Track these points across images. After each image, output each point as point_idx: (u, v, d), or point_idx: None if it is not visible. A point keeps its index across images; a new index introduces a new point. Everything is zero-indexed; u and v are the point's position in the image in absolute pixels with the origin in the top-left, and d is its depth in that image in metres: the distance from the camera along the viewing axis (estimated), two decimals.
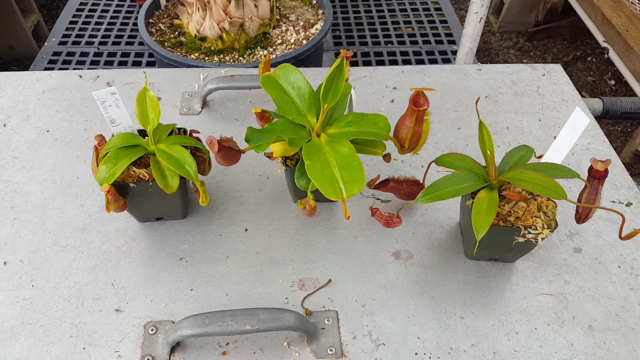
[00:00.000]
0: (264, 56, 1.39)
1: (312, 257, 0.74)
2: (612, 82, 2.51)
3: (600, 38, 2.19)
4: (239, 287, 0.71)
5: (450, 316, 0.68)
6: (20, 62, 2.37)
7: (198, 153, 0.74)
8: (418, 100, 0.68)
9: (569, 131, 0.65)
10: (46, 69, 1.81)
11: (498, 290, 0.71)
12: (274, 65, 1.29)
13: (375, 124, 0.71)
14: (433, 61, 1.85)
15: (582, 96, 2.45)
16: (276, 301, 0.69)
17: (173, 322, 0.67)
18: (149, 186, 0.70)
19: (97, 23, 2.03)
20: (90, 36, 1.96)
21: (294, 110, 0.71)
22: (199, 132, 0.75)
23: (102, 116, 0.91)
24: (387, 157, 0.73)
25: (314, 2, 1.56)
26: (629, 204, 0.81)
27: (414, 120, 0.69)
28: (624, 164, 2.22)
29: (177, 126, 0.77)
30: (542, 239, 0.65)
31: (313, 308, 0.69)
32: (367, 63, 1.84)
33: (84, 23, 2.02)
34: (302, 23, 1.48)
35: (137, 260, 0.73)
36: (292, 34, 1.44)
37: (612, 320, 0.69)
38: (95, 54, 1.88)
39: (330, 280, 0.72)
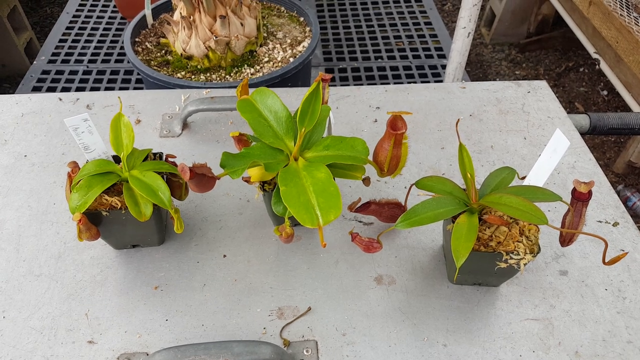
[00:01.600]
0: (251, 74, 1.38)
1: (292, 283, 0.73)
2: (605, 92, 2.51)
3: (591, 49, 2.19)
4: (216, 317, 0.69)
5: (432, 344, 0.67)
6: (12, 79, 2.36)
7: (174, 178, 0.73)
8: (396, 124, 0.66)
9: (550, 153, 0.64)
10: (34, 88, 1.80)
11: (482, 316, 0.69)
12: (261, 83, 1.28)
13: (353, 147, 0.69)
14: (423, 75, 1.84)
15: (575, 107, 2.45)
16: (254, 331, 0.67)
17: (147, 354, 0.65)
18: (122, 214, 0.68)
19: (86, 41, 2.03)
20: (80, 54, 1.96)
21: (271, 135, 0.70)
22: (175, 157, 0.74)
23: None
24: (366, 181, 0.72)
25: (302, 19, 1.56)
26: (615, 224, 0.80)
27: (392, 144, 0.67)
28: (617, 174, 2.20)
29: (155, 150, 0.75)
30: (525, 264, 0.63)
31: (292, 338, 0.67)
32: (357, 78, 1.84)
33: (73, 41, 2.02)
34: (289, 41, 1.48)
35: (112, 290, 0.72)
36: (279, 52, 1.43)
37: (599, 345, 0.67)
38: (85, 72, 1.88)
39: (310, 308, 0.70)
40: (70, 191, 0.68)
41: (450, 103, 0.99)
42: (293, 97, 0.99)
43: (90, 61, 1.93)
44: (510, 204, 0.61)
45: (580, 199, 0.62)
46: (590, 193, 0.62)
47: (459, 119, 0.78)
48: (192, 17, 1.35)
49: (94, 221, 0.68)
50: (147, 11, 1.50)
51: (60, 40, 2.03)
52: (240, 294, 0.71)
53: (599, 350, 0.66)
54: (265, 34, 1.50)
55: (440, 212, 0.65)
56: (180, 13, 1.36)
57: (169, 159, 0.74)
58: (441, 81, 1.78)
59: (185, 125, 0.94)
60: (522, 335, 0.68)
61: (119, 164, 0.72)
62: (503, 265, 0.64)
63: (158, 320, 0.69)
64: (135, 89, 1.80)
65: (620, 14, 1.87)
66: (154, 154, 0.75)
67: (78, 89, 1.80)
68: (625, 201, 2.01)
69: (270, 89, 0.72)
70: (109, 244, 0.75)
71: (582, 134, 1.02)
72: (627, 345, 0.66)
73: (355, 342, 0.66)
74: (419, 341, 0.67)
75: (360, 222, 0.81)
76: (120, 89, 1.80)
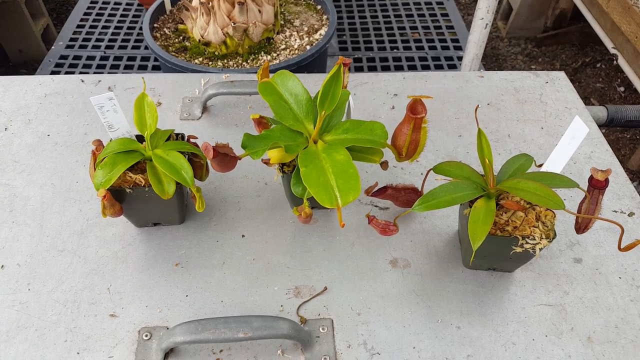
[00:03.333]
0: (268, 61, 1.39)
1: (309, 264, 0.74)
2: (622, 89, 2.49)
3: (609, 44, 2.18)
4: (234, 294, 0.70)
5: (446, 326, 0.68)
6: (29, 65, 2.39)
7: (195, 159, 0.74)
8: (416, 108, 0.67)
9: (568, 140, 0.65)
10: (52, 72, 1.83)
11: (496, 300, 0.70)
12: (277, 70, 1.29)
13: (372, 131, 0.70)
14: (439, 67, 1.84)
15: (591, 103, 2.43)
16: (271, 308, 0.69)
17: (167, 328, 0.66)
18: (145, 192, 0.70)
19: (104, 27, 2.04)
20: (97, 40, 1.97)
21: (292, 117, 0.71)
22: (196, 138, 0.75)
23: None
24: (384, 165, 0.73)
25: (319, 7, 1.56)
26: (631, 214, 0.80)
27: (412, 128, 0.68)
28: (632, 171, 2.19)
29: (176, 132, 0.77)
30: (540, 249, 0.64)
31: (308, 316, 0.68)
32: (372, 68, 1.84)
33: (91, 27, 2.04)
34: (306, 28, 1.48)
35: (133, 266, 0.73)
36: (295, 40, 1.44)
37: (611, 332, 0.67)
38: (102, 58, 1.89)
39: (326, 288, 0.71)
40: (95, 168, 0.69)
41: (468, 91, 0.99)
42: (311, 83, 1.00)
43: (107, 47, 1.94)
44: (528, 189, 0.62)
45: (597, 186, 0.63)
46: (607, 181, 0.63)
47: (477, 105, 0.79)
48: (210, 3, 1.36)
49: (118, 198, 0.70)
50: None
51: (78, 26, 2.04)
52: (258, 273, 0.73)
53: (612, 336, 0.67)
54: (282, 22, 1.50)
55: (457, 196, 0.65)
56: None
57: (191, 140, 0.76)
58: None
59: (205, 108, 0.96)
60: (535, 319, 0.68)
61: (142, 143, 0.74)
62: (519, 249, 0.65)
63: (178, 295, 0.70)
64: None
65: None
66: (176, 135, 0.77)
67: (96, 74, 1.82)
68: None
69: (291, 72, 0.73)
70: (131, 222, 0.77)
71: (600, 126, 1.02)
72: None
73: (370, 322, 0.68)
74: (433, 322, 0.68)
75: (376, 206, 0.82)
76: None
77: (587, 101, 2.44)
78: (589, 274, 0.73)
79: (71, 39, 1.98)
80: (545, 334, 0.67)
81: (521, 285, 0.72)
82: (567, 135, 0.65)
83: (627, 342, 0.66)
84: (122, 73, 1.79)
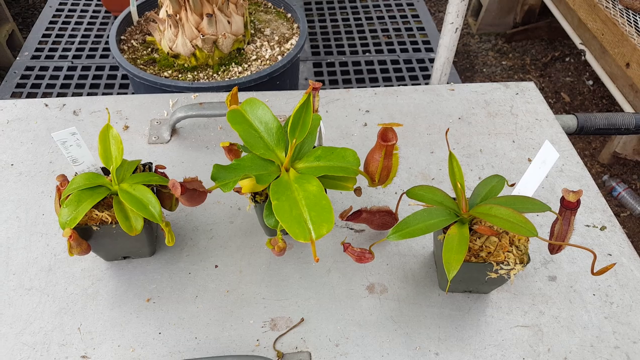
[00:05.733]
0: (239, 73, 1.37)
1: (285, 293, 0.73)
2: (590, 82, 2.52)
3: (577, 40, 2.20)
4: (209, 330, 0.69)
5: (425, 353, 0.67)
6: None
7: (164, 190, 0.73)
8: (386, 135, 0.67)
9: (539, 164, 0.65)
10: (18, 84, 1.78)
11: (473, 324, 0.70)
12: (249, 82, 1.27)
13: (344, 158, 0.69)
14: (411, 69, 1.84)
15: (562, 98, 2.46)
16: (247, 344, 0.68)
17: None
18: (113, 228, 0.68)
19: (70, 36, 1.99)
20: (64, 50, 1.93)
21: (262, 146, 0.69)
22: (164, 168, 0.74)
23: None
24: (357, 191, 0.72)
25: (289, 15, 1.55)
26: (603, 228, 0.81)
27: (383, 155, 0.67)
28: (602, 164, 2.22)
29: (143, 157, 0.75)
30: (515, 274, 0.64)
31: (285, 350, 0.67)
32: (345, 72, 1.83)
33: (57, 36, 1.99)
34: (277, 38, 1.47)
35: (104, 303, 0.71)
36: (267, 50, 1.42)
37: (587, 351, 0.68)
38: (69, 68, 1.85)
39: (303, 319, 0.70)
40: (60, 205, 0.67)
41: (439, 106, 0.99)
42: (282, 101, 0.99)
43: (74, 57, 1.90)
44: (501, 215, 0.62)
45: (569, 207, 0.63)
46: (578, 202, 0.63)
47: (448, 129, 0.79)
48: (178, 15, 1.33)
49: (85, 236, 0.68)
50: (132, 8, 1.48)
51: (44, 35, 1.99)
52: (233, 306, 0.71)
53: (588, 356, 0.67)
54: (252, 31, 1.48)
55: (431, 223, 0.65)
56: (167, 11, 1.34)
57: (159, 170, 0.74)
58: (429, 75, 1.78)
59: (174, 131, 0.94)
60: (512, 342, 0.69)
61: (107, 175, 0.72)
62: (493, 275, 0.65)
63: (151, 333, 0.69)
64: (121, 85, 1.77)
65: (606, 6, 1.87)
66: (143, 165, 0.75)
67: (63, 86, 1.77)
68: (610, 191, 2.04)
69: (260, 100, 0.71)
70: (100, 256, 0.75)
71: (570, 134, 1.03)
72: (615, 351, 0.68)
73: (348, 353, 0.67)
74: (412, 350, 0.68)
75: (351, 229, 0.81)
76: (106, 85, 1.78)
77: (557, 95, 2.47)
78: (563, 292, 0.74)
79: (37, 49, 1.93)
80: (522, 356, 0.67)
81: (497, 307, 0.72)
82: (538, 159, 0.65)
83: None
84: (91, 92, 1.74)
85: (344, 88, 1.31)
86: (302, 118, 0.68)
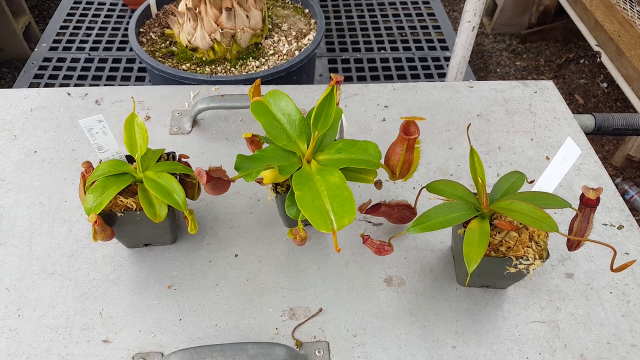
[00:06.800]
0: (256, 67, 1.38)
1: (303, 284, 0.74)
2: (605, 84, 2.51)
3: (592, 42, 2.19)
4: (229, 317, 0.70)
5: (442, 346, 0.68)
6: (11, 64, 2.35)
7: (187, 179, 0.73)
8: (408, 129, 0.67)
9: (560, 161, 0.65)
10: (36, 75, 1.79)
11: (490, 318, 0.71)
12: (267, 76, 1.28)
13: (366, 151, 0.70)
14: (426, 67, 1.84)
15: (575, 99, 2.45)
16: (266, 332, 0.68)
17: (162, 354, 0.66)
18: (137, 215, 0.69)
19: (88, 28, 2.01)
20: (82, 42, 1.94)
21: (285, 137, 0.70)
22: (187, 157, 0.74)
23: None
24: (378, 184, 0.73)
25: (307, 11, 1.55)
26: (620, 227, 0.81)
27: (405, 148, 0.68)
28: (615, 167, 2.21)
29: (167, 150, 0.76)
30: (534, 269, 0.65)
31: (304, 339, 0.68)
32: (360, 69, 1.84)
33: (74, 28, 2.00)
34: (294, 33, 1.47)
35: (125, 289, 0.73)
36: (284, 45, 1.43)
37: (603, 348, 0.68)
38: (87, 60, 1.86)
39: (321, 309, 0.71)
40: (85, 191, 0.68)
41: (458, 102, 1.00)
42: (302, 95, 1.00)
43: (92, 49, 1.91)
44: (522, 210, 0.62)
45: (589, 204, 0.63)
46: (598, 199, 0.63)
47: (469, 124, 0.79)
48: (197, 8, 1.34)
49: (109, 222, 0.69)
50: (152, 1, 1.49)
51: (61, 27, 2.01)
52: (252, 294, 0.72)
53: (604, 353, 0.68)
54: (270, 26, 1.49)
55: (452, 217, 0.66)
56: (186, 4, 1.35)
57: (182, 159, 0.75)
58: (444, 74, 1.78)
59: (195, 122, 0.95)
60: (528, 337, 0.69)
61: (132, 163, 0.73)
62: (512, 270, 0.66)
63: (172, 319, 0.70)
64: (137, 77, 1.79)
65: (623, 8, 1.86)
66: (167, 154, 0.76)
67: (80, 77, 1.79)
68: (623, 194, 2.03)
69: (283, 92, 0.72)
70: (122, 243, 0.76)
71: (587, 134, 1.03)
72: (631, 349, 0.68)
73: (366, 344, 0.68)
74: (429, 342, 0.68)
75: (369, 222, 0.81)
76: (123, 77, 1.79)
77: (571, 97, 2.46)
78: (580, 289, 0.74)
79: (54, 40, 1.94)
80: (539, 351, 0.68)
81: (514, 302, 0.73)
82: (559, 156, 0.65)
83: (619, 359, 0.67)
84: (108, 84, 1.76)
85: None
86: (325, 110, 0.69)
